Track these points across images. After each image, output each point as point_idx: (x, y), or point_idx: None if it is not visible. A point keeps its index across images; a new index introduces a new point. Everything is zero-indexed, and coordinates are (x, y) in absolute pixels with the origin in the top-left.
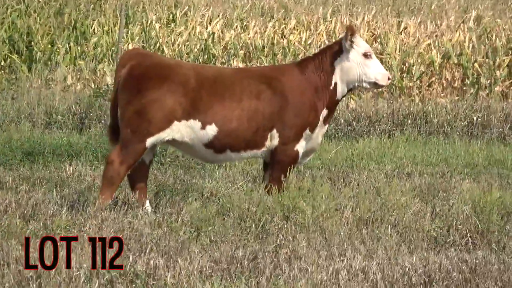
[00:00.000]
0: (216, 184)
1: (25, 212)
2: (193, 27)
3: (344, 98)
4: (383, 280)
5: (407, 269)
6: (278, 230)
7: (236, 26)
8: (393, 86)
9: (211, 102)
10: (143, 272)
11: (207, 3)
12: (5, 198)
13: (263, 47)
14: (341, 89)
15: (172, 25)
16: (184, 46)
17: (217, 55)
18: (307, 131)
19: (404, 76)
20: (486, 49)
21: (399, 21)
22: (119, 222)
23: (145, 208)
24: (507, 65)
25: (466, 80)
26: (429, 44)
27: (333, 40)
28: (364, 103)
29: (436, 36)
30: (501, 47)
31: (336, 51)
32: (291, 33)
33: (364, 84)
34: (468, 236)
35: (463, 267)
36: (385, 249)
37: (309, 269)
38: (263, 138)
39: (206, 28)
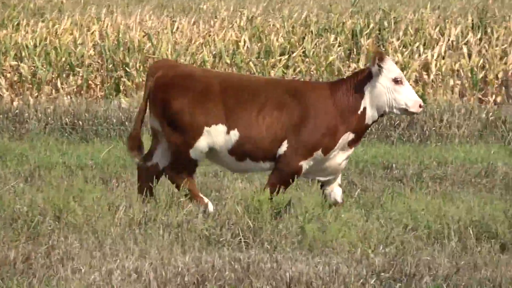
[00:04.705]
0: None
1: None
2: None
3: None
4: (156, 280)
5: (179, 268)
6: (50, 231)
7: (6, 25)
8: None
9: (235, 108)
10: None
11: None
12: None
13: (35, 46)
14: (370, 114)
15: None
16: None
17: None
18: (319, 152)
19: None
20: (260, 49)
21: (172, 21)
22: None
23: None
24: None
25: None
26: (202, 44)
27: (105, 40)
28: None
29: (208, 35)
30: (277, 47)
31: (366, 75)
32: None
33: (395, 110)
34: (241, 235)
35: (236, 266)
36: (157, 249)
37: (82, 270)
38: (278, 149)
39: None
